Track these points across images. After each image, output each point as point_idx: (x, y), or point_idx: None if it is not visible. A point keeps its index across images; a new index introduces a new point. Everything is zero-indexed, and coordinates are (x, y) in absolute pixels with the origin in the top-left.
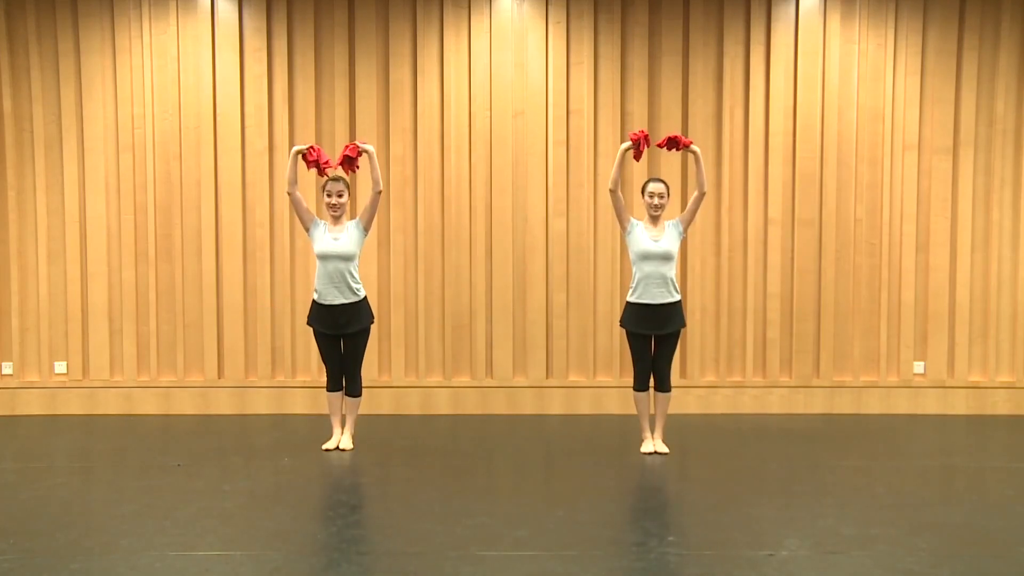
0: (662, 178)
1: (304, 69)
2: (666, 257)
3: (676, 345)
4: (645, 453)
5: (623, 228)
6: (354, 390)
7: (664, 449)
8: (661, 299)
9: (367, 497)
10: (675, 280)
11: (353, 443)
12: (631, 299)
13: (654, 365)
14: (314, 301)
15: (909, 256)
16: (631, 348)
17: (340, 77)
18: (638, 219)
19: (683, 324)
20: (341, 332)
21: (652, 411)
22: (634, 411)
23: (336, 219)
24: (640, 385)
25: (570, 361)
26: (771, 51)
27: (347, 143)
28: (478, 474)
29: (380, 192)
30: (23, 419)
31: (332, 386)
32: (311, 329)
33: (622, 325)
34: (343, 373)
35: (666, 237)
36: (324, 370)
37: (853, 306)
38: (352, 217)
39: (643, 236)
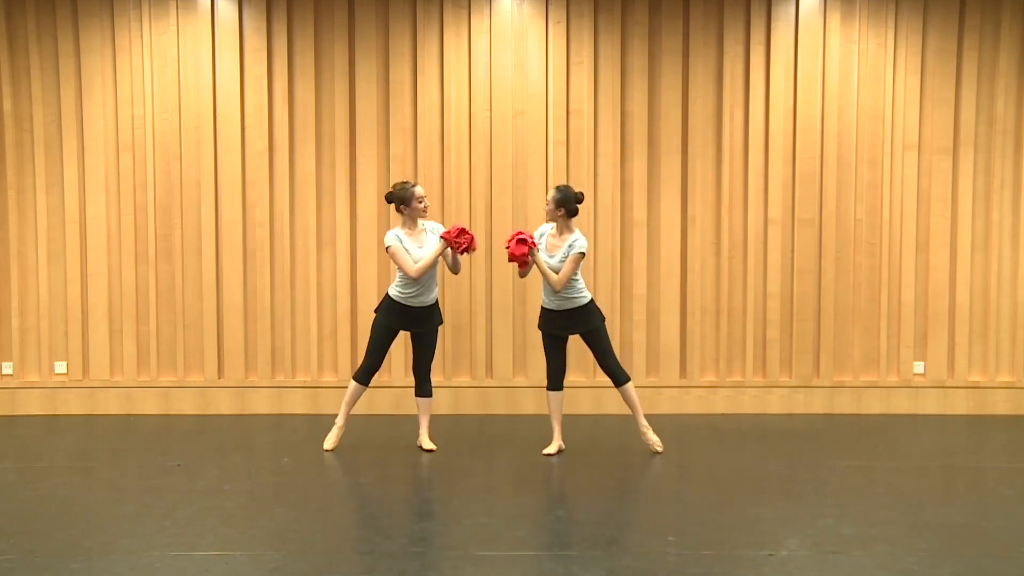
0: (563, 188)
1: (304, 69)
2: (556, 272)
3: (604, 338)
4: (546, 454)
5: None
6: (426, 390)
7: (657, 446)
8: (560, 307)
9: (368, 497)
10: (577, 288)
11: (434, 443)
12: (542, 302)
13: (599, 365)
14: (395, 301)
15: (909, 256)
16: (544, 348)
17: (340, 77)
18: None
19: (600, 320)
20: (418, 329)
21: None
22: (632, 411)
23: (414, 223)
24: (552, 384)
25: (570, 361)
26: (771, 51)
27: (461, 235)
28: (478, 474)
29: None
30: (23, 419)
31: (364, 378)
32: (374, 320)
33: (539, 327)
34: (374, 372)
35: (558, 256)
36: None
37: (853, 306)
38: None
39: (542, 245)
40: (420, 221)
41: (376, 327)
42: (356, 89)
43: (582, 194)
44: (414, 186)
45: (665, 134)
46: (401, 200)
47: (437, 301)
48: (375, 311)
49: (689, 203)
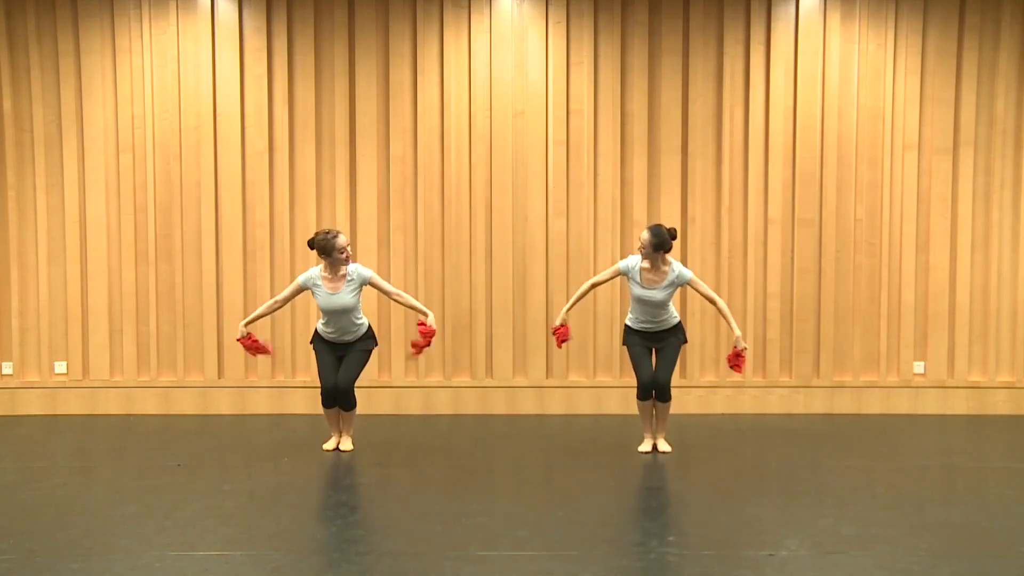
0: (660, 230)
1: (304, 69)
2: (659, 305)
3: (676, 356)
4: (643, 452)
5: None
6: (348, 404)
7: (666, 447)
8: (657, 328)
9: (367, 497)
10: (672, 311)
11: (353, 444)
12: (629, 323)
13: (655, 375)
14: (318, 331)
15: (909, 256)
16: (632, 359)
17: (340, 77)
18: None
19: (684, 340)
20: (343, 353)
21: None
22: (635, 411)
23: (335, 271)
24: (643, 395)
25: (570, 361)
26: (771, 51)
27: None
28: (478, 474)
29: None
30: (23, 419)
31: (328, 402)
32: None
33: (623, 344)
34: (336, 393)
35: (663, 288)
36: None
37: (853, 306)
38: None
39: (637, 280)
40: (345, 267)
41: (315, 353)
42: (356, 89)
43: (675, 230)
44: (335, 237)
45: (665, 134)
46: (322, 250)
47: (365, 335)
48: (311, 342)
49: (689, 203)
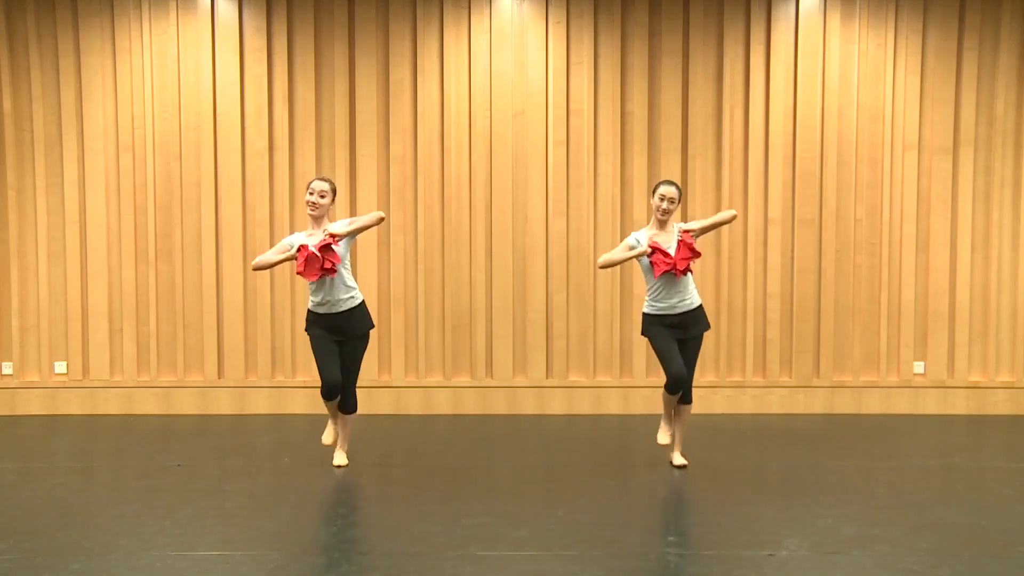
0: (675, 182)
1: (304, 69)
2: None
3: (699, 350)
4: (663, 444)
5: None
6: (349, 405)
7: (682, 461)
8: (683, 308)
9: (367, 497)
10: (693, 282)
11: (348, 458)
12: (650, 311)
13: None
14: (311, 311)
15: (909, 256)
16: (659, 351)
17: (340, 77)
18: (638, 229)
19: (707, 327)
20: (342, 337)
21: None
22: (634, 411)
23: (316, 220)
24: (673, 387)
25: (570, 361)
26: (771, 51)
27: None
28: (478, 474)
29: (382, 219)
30: (23, 419)
31: (327, 394)
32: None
33: (644, 335)
34: (338, 385)
35: (677, 242)
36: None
37: (853, 306)
38: (334, 220)
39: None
40: (325, 220)
41: (310, 341)
42: (356, 89)
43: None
44: (313, 180)
45: (665, 134)
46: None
47: (359, 307)
48: (306, 330)
49: (689, 203)
